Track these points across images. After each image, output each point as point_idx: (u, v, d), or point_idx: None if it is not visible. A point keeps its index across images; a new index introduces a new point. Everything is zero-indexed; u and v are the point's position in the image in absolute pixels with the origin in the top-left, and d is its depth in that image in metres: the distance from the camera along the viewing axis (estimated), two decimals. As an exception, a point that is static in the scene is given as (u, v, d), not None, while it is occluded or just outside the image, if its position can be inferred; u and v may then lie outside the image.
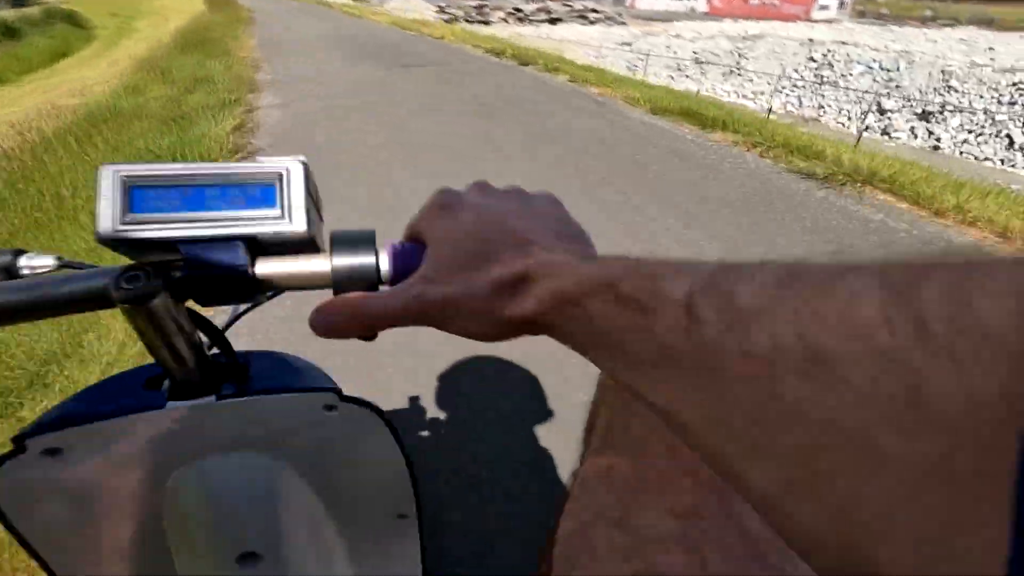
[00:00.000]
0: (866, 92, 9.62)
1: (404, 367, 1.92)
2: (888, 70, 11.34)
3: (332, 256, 0.33)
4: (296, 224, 0.33)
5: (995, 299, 0.12)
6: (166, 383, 0.43)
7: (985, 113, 8.70)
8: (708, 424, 0.18)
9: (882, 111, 9.34)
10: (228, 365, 0.45)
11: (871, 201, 3.71)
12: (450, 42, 10.81)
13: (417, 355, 1.96)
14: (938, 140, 8.54)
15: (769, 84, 10.76)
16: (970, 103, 9.41)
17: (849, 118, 9.57)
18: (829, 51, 12.86)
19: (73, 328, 2.00)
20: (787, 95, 10.60)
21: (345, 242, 0.34)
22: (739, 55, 13.88)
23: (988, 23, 31.45)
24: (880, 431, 0.13)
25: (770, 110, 7.36)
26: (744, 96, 10.80)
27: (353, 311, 0.31)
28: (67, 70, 9.67)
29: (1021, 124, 8.21)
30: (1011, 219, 3.33)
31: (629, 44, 15.48)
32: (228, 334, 0.45)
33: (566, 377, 1.83)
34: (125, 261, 0.34)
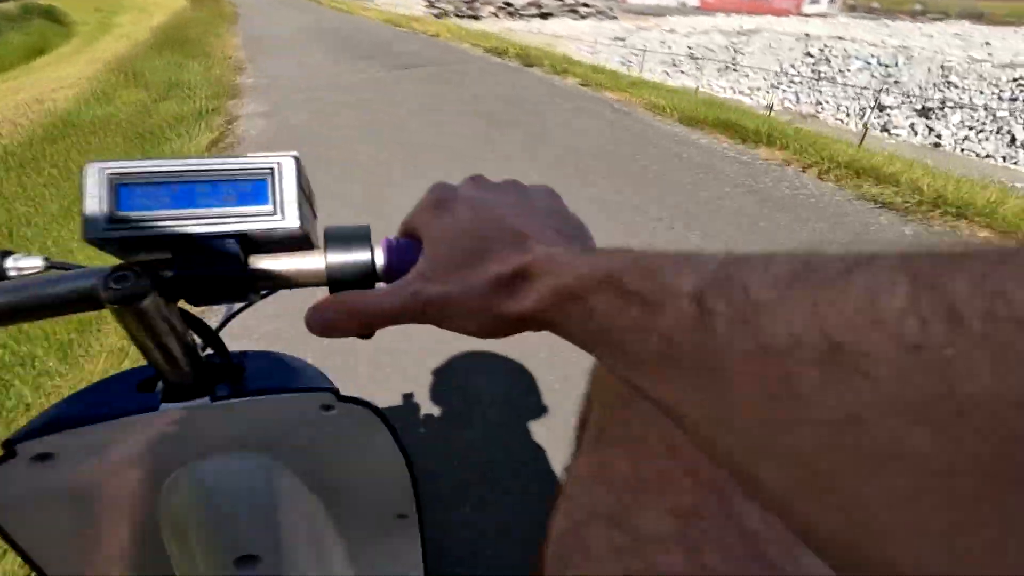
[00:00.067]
0: (864, 88, 9.50)
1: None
2: (886, 65, 11.24)
3: (326, 253, 0.33)
4: (289, 220, 0.32)
5: None
6: (159, 385, 0.43)
7: (986, 109, 8.59)
8: (717, 420, 0.18)
9: (881, 107, 9.20)
10: (222, 366, 0.45)
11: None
12: (447, 40, 10.36)
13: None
14: (939, 137, 8.41)
15: (765, 80, 10.62)
16: (970, 99, 9.29)
17: (848, 114, 9.42)
18: (826, 46, 12.76)
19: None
20: (784, 91, 10.44)
21: (339, 238, 0.33)
22: (734, 50, 13.73)
23: (978, 17, 31.57)
24: (907, 427, 0.12)
25: (771, 108, 7.18)
26: (740, 92, 10.62)
27: (350, 310, 0.30)
28: (43, 68, 9.30)
29: (1023, 121, 8.09)
30: None
31: (622, 39, 15.28)
32: (222, 334, 0.45)
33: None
34: (115, 261, 0.33)
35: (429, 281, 0.29)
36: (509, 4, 23.30)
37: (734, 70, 11.89)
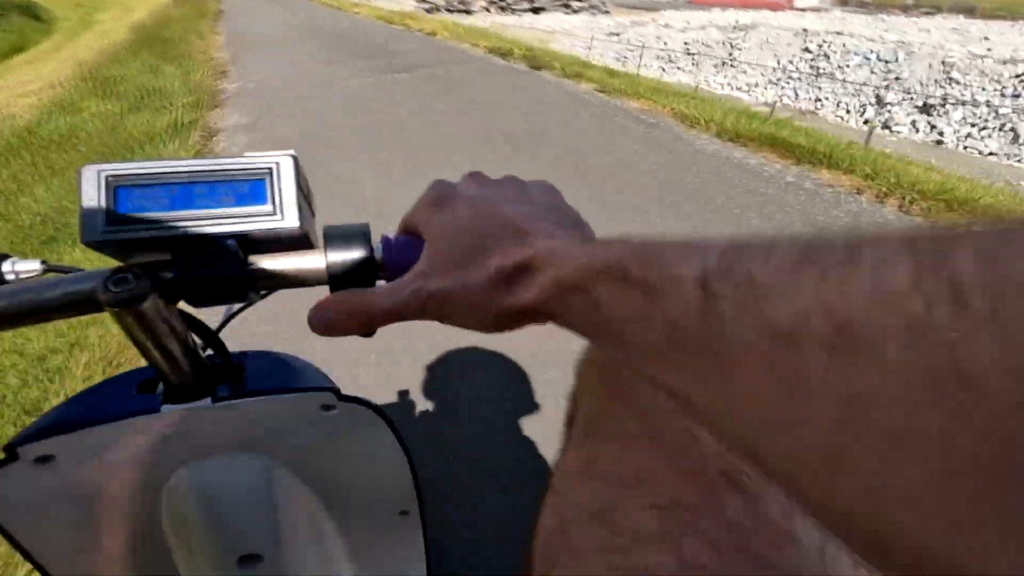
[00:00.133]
0: (863, 84, 9.35)
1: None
2: (886, 61, 11.08)
3: (326, 252, 0.33)
4: (288, 220, 0.32)
5: None
6: (160, 386, 0.43)
7: (988, 106, 8.44)
8: (724, 405, 0.18)
9: (882, 104, 9.04)
10: (223, 366, 0.45)
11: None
12: (445, 39, 9.90)
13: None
14: (941, 134, 8.25)
15: (763, 76, 10.45)
16: (972, 96, 9.15)
17: (848, 111, 9.25)
18: (824, 41, 12.60)
19: None
20: (783, 87, 10.27)
21: (339, 237, 0.33)
22: (731, 46, 13.53)
23: (969, 11, 31.60)
24: (915, 405, 0.12)
25: (773, 107, 6.98)
26: (738, 88, 10.44)
27: (351, 309, 0.31)
28: (21, 67, 8.96)
29: (1027, 118, 7.94)
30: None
31: (617, 34, 15.07)
32: (222, 334, 0.45)
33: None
34: (113, 264, 0.33)
35: (430, 277, 0.29)
36: (501, -1, 22.99)
37: (731, 66, 11.70)
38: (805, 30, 14.76)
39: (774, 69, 10.60)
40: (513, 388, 1.88)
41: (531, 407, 1.80)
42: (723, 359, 0.17)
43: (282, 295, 0.45)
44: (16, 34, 12.53)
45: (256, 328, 1.98)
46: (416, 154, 3.93)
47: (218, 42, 8.77)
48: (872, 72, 10.84)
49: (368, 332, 0.31)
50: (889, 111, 8.89)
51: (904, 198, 3.46)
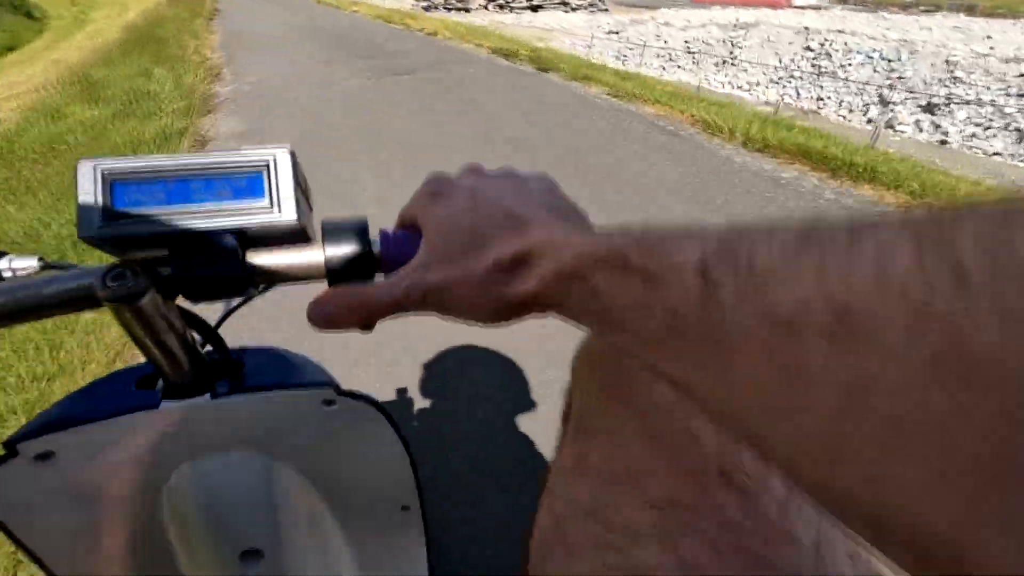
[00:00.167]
0: (866, 83, 9.24)
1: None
2: (889, 60, 10.97)
3: (325, 246, 0.33)
4: (286, 214, 0.32)
5: None
6: (159, 382, 0.43)
7: (993, 105, 8.34)
8: (726, 392, 0.18)
9: (885, 103, 8.94)
10: (222, 362, 0.45)
11: None
12: (446, 39, 9.74)
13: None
14: (945, 134, 8.15)
15: (765, 74, 10.34)
16: (977, 95, 9.04)
17: (851, 110, 9.14)
18: (826, 40, 12.48)
19: None
20: (784, 86, 10.16)
21: (337, 231, 0.33)
22: (732, 44, 13.41)
23: (969, 9, 31.50)
24: (917, 388, 0.12)
25: (777, 107, 6.87)
26: (739, 87, 10.32)
27: (351, 302, 0.31)
28: (11, 67, 8.82)
29: (1033, 117, 7.84)
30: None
31: (617, 33, 14.94)
32: (221, 330, 0.45)
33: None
34: (111, 260, 0.33)
35: (429, 270, 0.29)
36: (499, -4, 22.83)
37: (732, 65, 11.59)
38: (807, 28, 14.66)
39: (776, 68, 10.48)
40: (513, 387, 1.87)
41: (530, 405, 1.79)
42: (723, 347, 0.17)
43: (281, 292, 0.44)
44: (8, 33, 12.37)
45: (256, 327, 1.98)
46: (416, 154, 3.84)
47: (214, 42, 8.63)
48: (875, 71, 10.73)
49: (368, 326, 0.31)
50: (892, 110, 8.79)
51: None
